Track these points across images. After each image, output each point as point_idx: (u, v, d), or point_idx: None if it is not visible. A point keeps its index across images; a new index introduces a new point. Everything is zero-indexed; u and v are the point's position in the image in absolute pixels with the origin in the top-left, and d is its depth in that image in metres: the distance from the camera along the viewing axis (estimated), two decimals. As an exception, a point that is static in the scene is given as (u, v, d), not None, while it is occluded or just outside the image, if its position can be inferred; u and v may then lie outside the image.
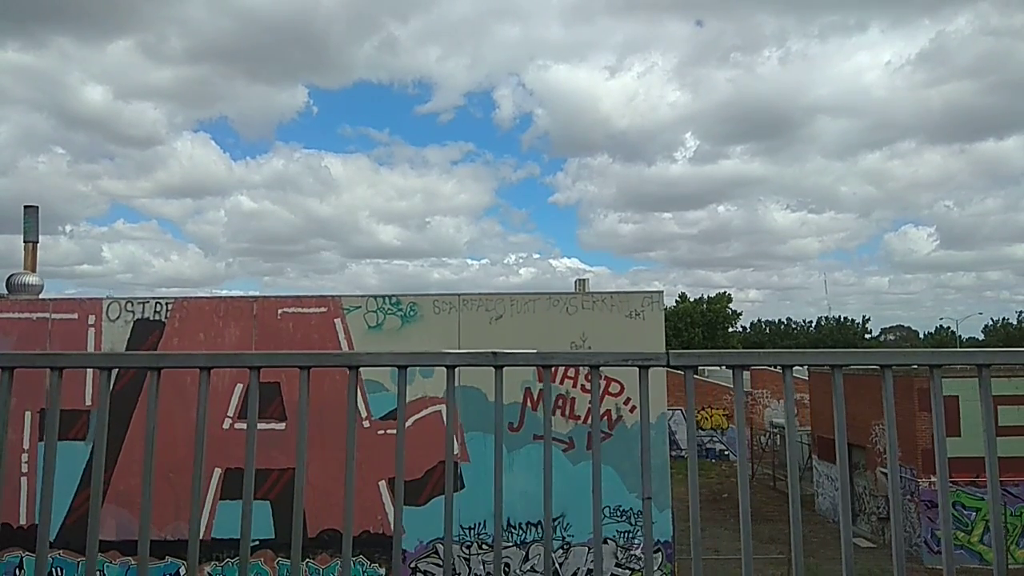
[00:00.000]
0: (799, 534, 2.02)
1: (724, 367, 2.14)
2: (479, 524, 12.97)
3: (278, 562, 12.94)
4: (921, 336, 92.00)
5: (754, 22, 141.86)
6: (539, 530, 12.99)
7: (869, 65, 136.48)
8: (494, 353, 2.04)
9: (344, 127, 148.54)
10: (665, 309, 14.59)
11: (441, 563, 12.69)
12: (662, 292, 13.84)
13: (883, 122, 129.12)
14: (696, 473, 2.06)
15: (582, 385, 13.08)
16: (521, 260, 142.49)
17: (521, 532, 12.99)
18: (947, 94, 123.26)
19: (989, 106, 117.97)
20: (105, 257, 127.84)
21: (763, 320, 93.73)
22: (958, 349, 2.21)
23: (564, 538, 12.87)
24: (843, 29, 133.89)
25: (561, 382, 13.06)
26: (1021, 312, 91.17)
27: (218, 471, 12.79)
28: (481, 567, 13.01)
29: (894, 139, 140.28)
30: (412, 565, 13.08)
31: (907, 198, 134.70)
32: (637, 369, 2.09)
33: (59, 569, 12.91)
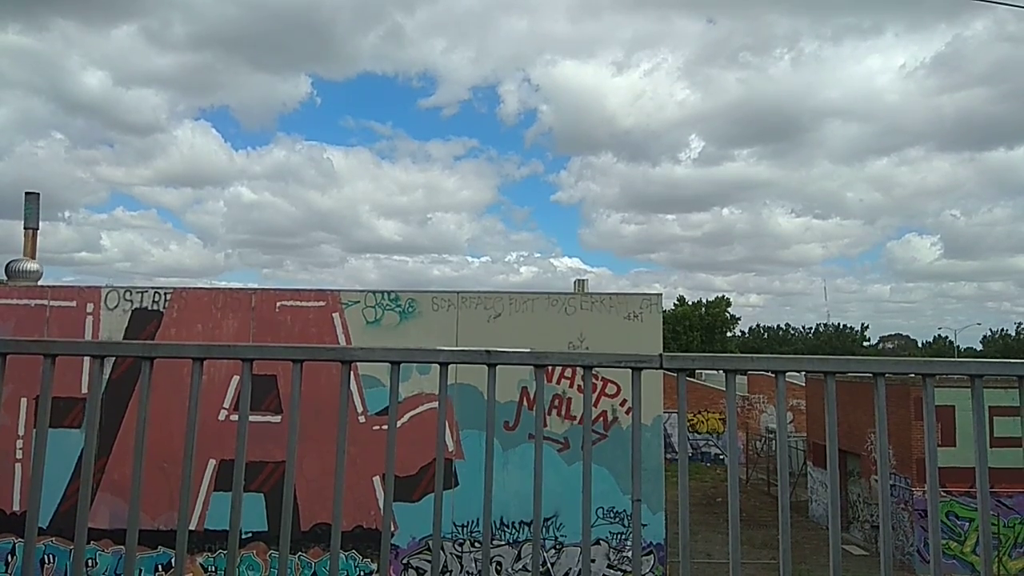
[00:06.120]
0: (788, 540, 2.02)
1: (718, 371, 2.14)
2: (472, 522, 12.98)
3: (270, 555, 12.95)
4: (919, 345, 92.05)
5: (766, 21, 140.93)
6: (532, 529, 12.95)
7: (882, 69, 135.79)
8: (488, 351, 2.04)
9: (347, 119, 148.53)
10: (664, 312, 14.59)
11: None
12: (660, 295, 13.86)
13: (893, 127, 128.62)
14: (687, 477, 2.06)
15: (578, 385, 13.08)
16: (522, 259, 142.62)
17: (514, 531, 13.00)
18: (960, 101, 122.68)
19: (1001, 114, 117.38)
20: (104, 245, 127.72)
21: (762, 325, 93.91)
22: (951, 359, 2.21)
23: (556, 538, 12.87)
24: (858, 32, 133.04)
25: (558, 382, 13.07)
26: (1020, 324, 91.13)
27: (213, 462, 12.80)
28: (473, 565, 13.02)
29: (903, 145, 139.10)
30: (404, 561, 13.09)
31: (913, 205, 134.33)
32: (630, 371, 2.09)
33: (51, 556, 12.92)
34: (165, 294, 13.61)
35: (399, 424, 12.31)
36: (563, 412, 13.09)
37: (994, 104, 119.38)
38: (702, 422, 39.32)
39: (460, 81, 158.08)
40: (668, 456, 13.84)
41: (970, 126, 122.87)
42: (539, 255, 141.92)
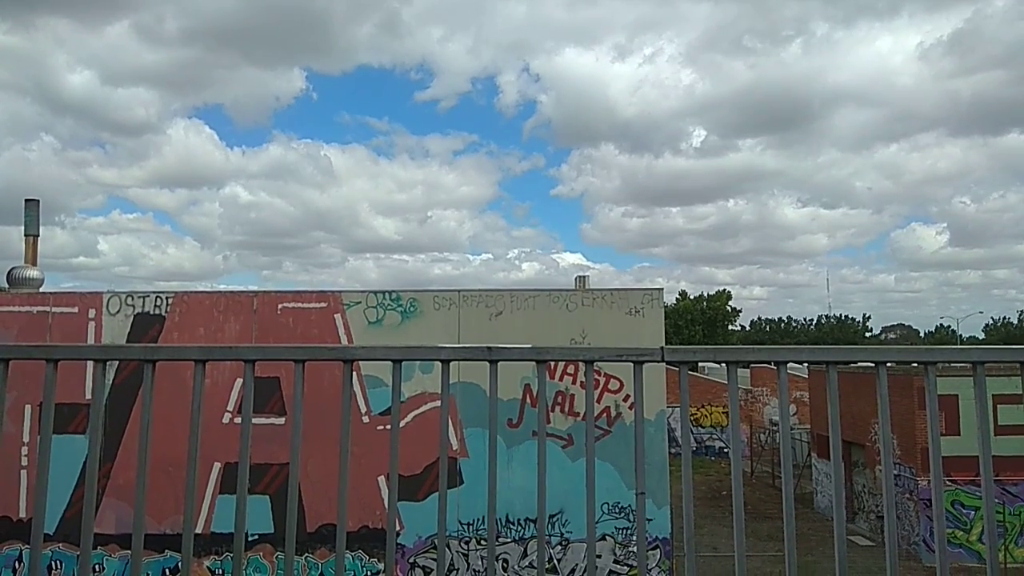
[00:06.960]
0: (792, 530, 2.02)
1: (719, 363, 2.14)
2: (478, 520, 12.99)
3: (277, 556, 12.98)
4: (921, 335, 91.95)
5: (774, 3, 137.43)
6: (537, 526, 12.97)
7: (895, 52, 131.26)
8: (489, 347, 2.05)
9: (343, 115, 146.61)
10: (665, 307, 14.58)
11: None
12: (662, 289, 13.85)
13: (905, 113, 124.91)
14: (690, 470, 2.06)
15: (581, 382, 13.08)
16: (524, 255, 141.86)
17: (520, 528, 13.02)
18: (975, 84, 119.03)
19: (1017, 97, 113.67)
20: (102, 250, 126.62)
21: (764, 318, 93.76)
22: (953, 346, 2.21)
23: (562, 534, 12.88)
24: (871, 13, 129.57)
25: (560, 379, 13.07)
26: (1023, 311, 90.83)
27: (217, 465, 12.82)
28: (479, 562, 13.04)
29: (914, 131, 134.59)
30: (411, 560, 13.10)
31: (922, 193, 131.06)
32: (632, 365, 2.09)
33: (58, 562, 12.95)
34: (167, 298, 13.62)
35: (403, 424, 12.32)
36: (566, 409, 13.10)
37: (1010, 87, 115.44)
38: (705, 416, 39.34)
39: (458, 72, 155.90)
40: (672, 451, 13.85)
41: (984, 110, 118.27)
42: (541, 251, 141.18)
